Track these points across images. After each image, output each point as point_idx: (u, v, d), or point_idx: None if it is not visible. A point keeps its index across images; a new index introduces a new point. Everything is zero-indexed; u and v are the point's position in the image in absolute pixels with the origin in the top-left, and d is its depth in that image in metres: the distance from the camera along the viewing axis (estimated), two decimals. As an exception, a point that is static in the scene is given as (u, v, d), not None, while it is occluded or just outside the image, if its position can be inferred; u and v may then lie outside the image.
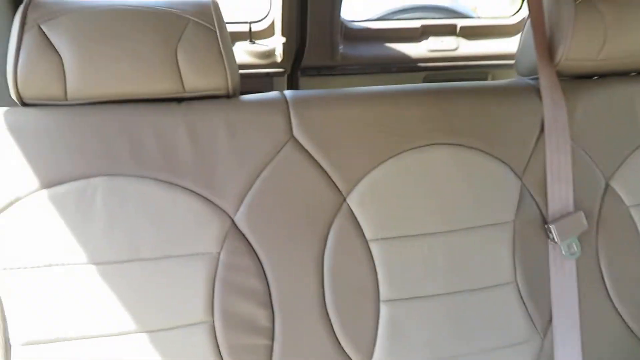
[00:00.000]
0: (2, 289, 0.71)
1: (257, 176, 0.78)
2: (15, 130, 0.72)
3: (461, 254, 0.85)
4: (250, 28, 1.48)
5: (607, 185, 0.91)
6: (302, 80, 1.56)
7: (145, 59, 0.73)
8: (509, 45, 1.69)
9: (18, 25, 0.71)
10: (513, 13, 1.71)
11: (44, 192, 0.72)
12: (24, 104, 0.75)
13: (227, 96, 0.81)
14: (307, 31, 1.46)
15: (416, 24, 1.63)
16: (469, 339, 0.84)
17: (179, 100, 0.79)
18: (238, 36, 1.50)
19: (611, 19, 0.88)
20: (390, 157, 0.83)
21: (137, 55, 0.73)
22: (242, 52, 1.49)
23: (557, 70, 0.91)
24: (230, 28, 1.48)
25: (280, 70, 1.52)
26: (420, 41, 1.63)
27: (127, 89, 0.75)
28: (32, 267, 0.71)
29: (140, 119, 0.76)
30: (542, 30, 0.89)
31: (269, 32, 1.52)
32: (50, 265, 0.71)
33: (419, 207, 0.84)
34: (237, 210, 0.77)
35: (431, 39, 1.64)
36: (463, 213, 0.85)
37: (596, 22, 0.88)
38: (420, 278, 0.83)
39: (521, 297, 0.87)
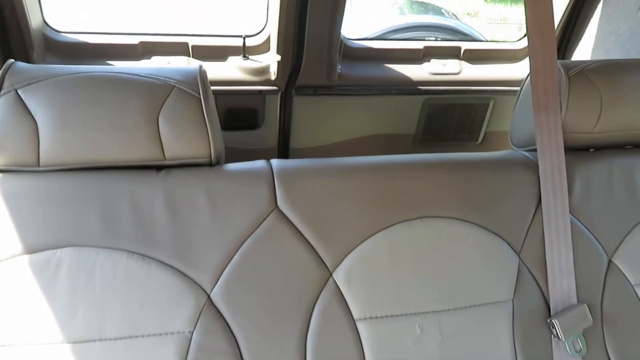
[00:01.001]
0: None
1: (238, 248, 0.72)
2: None
3: (456, 336, 0.77)
4: (244, 42, 1.40)
5: (610, 262, 0.85)
6: (297, 99, 1.49)
7: (123, 125, 0.69)
8: (514, 70, 1.63)
9: None
10: (519, 38, 1.65)
11: (2, 264, 0.65)
12: None
13: (210, 164, 0.76)
14: (304, 48, 1.39)
15: (419, 44, 1.56)
16: None
17: (158, 168, 0.74)
18: (231, 50, 1.42)
19: (606, 92, 0.85)
20: (380, 230, 0.78)
21: (116, 121, 0.68)
22: (234, 68, 1.41)
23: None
24: (223, 41, 1.42)
25: (274, 88, 1.44)
26: (422, 63, 1.57)
27: (103, 156, 0.70)
28: None
29: (115, 187, 0.71)
30: (542, 101, 0.84)
31: (264, 47, 1.44)
32: (3, 345, 0.64)
33: (410, 284, 0.77)
34: (214, 285, 0.71)
35: (433, 61, 1.57)
36: (458, 291, 0.79)
37: (591, 94, 0.85)
38: None
39: None
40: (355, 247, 0.76)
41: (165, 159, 0.73)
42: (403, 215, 0.79)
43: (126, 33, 1.37)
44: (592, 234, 0.85)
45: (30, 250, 0.67)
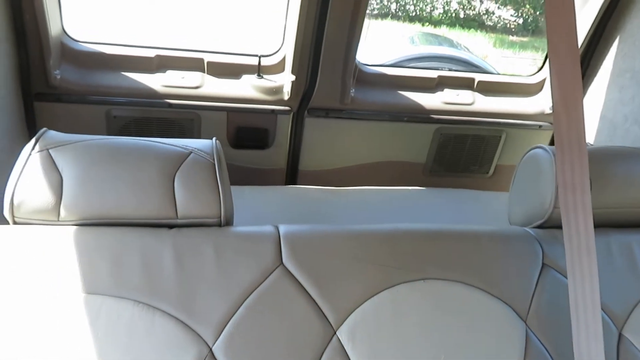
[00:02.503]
0: None
1: (242, 302, 0.72)
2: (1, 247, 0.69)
3: None
4: (259, 62, 1.41)
5: (621, 336, 0.83)
6: (308, 121, 1.48)
7: (141, 185, 0.72)
8: (527, 104, 1.63)
9: (29, 149, 0.72)
10: (533, 73, 1.65)
11: (15, 305, 0.66)
12: (15, 223, 0.72)
13: (219, 225, 0.78)
14: (319, 70, 1.39)
15: (433, 74, 1.57)
16: None
17: (170, 226, 0.76)
18: (246, 69, 1.43)
19: (595, 174, 0.86)
20: (383, 290, 0.77)
21: (134, 180, 0.72)
22: (248, 86, 1.41)
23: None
24: (238, 60, 1.43)
25: (287, 108, 1.44)
26: (435, 92, 1.57)
27: (119, 212, 0.73)
28: None
29: (127, 241, 0.73)
30: (568, 179, 0.81)
31: (278, 67, 1.44)
32: None
33: (414, 345, 0.75)
34: (217, 338, 0.69)
35: (447, 90, 1.57)
36: (463, 354, 0.76)
37: None
38: None
39: None
40: (359, 306, 0.75)
41: (177, 218, 0.75)
42: (406, 276, 0.78)
43: (143, 46, 1.38)
44: (602, 309, 0.82)
45: (41, 295, 0.67)
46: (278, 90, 1.41)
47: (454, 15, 7.42)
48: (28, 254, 0.69)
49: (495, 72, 2.01)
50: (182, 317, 0.69)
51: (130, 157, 0.73)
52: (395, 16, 7.26)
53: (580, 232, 0.78)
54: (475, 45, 6.23)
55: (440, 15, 7.35)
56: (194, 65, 1.40)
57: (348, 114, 1.49)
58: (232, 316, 0.70)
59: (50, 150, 0.72)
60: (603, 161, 0.88)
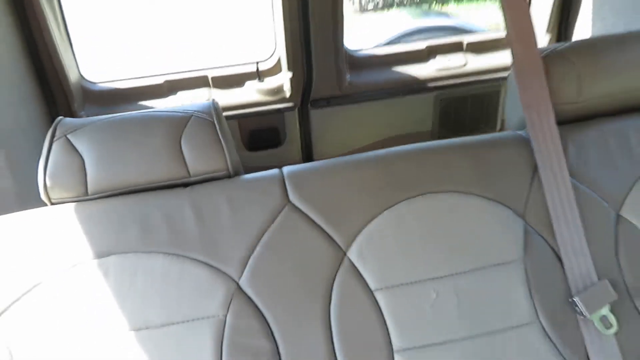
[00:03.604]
0: (18, 356, 0.74)
1: (258, 241, 0.81)
2: (43, 225, 0.81)
3: (471, 296, 0.81)
4: (257, 67, 1.52)
5: (619, 217, 0.87)
6: (313, 113, 1.58)
7: (152, 152, 0.82)
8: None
9: (49, 137, 0.82)
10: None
11: (63, 274, 0.77)
12: (52, 204, 0.83)
13: (229, 176, 0.87)
14: (313, 64, 1.49)
15: (421, 45, 1.64)
16: None
17: (185, 185, 0.86)
18: (247, 76, 1.54)
19: (582, 65, 0.90)
20: (385, 210, 0.84)
21: (146, 149, 0.82)
22: (252, 91, 1.52)
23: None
24: (238, 70, 1.55)
25: (290, 104, 1.54)
26: (427, 61, 1.64)
27: (138, 179, 0.82)
28: (51, 340, 0.74)
29: (149, 204, 0.83)
30: (527, 77, 0.90)
31: (276, 69, 1.55)
32: (66, 337, 0.75)
33: (419, 254, 0.82)
34: (241, 274, 0.79)
35: (438, 57, 1.64)
36: (466, 255, 0.83)
37: (567, 68, 0.90)
38: (432, 324, 0.80)
39: (549, 337, 0.81)
40: (365, 227, 0.83)
41: (190, 176, 0.84)
42: (405, 195, 0.85)
43: (151, 75, 1.52)
44: (595, 193, 0.87)
45: (83, 260, 0.78)
46: (279, 89, 1.52)
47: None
48: (67, 228, 0.80)
49: (482, 31, 2.05)
50: (209, 260, 0.79)
51: (139, 128, 0.83)
52: (400, 4, 7.25)
53: (545, 130, 0.86)
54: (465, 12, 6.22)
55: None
56: (199, 82, 1.53)
57: (349, 98, 1.58)
58: (251, 253, 0.80)
59: (68, 136, 0.82)
60: (589, 53, 0.91)
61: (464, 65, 1.63)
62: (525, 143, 0.91)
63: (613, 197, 0.87)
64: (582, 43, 0.94)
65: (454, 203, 0.85)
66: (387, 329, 0.79)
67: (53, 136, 0.82)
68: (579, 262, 0.82)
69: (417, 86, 1.62)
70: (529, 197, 0.86)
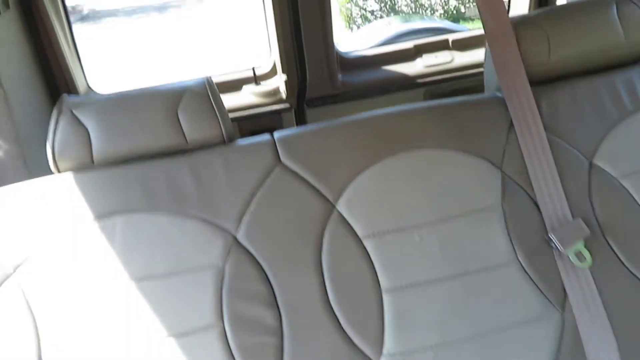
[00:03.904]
0: (37, 312, 0.81)
1: (253, 198, 0.89)
2: (53, 192, 0.89)
3: (453, 239, 0.88)
4: (254, 72, 1.61)
5: (592, 164, 0.93)
6: (309, 112, 1.66)
7: (152, 123, 0.90)
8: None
9: (55, 113, 0.90)
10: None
11: (74, 232, 0.85)
12: (60, 172, 0.91)
13: (224, 143, 0.95)
14: (306, 66, 1.58)
15: (409, 44, 1.73)
16: (479, 320, 0.85)
17: (184, 152, 0.93)
18: (244, 81, 1.63)
19: (551, 29, 0.97)
20: (370, 166, 0.91)
21: (145, 119, 0.90)
22: (250, 94, 1.61)
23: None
24: (236, 75, 1.64)
25: (287, 106, 1.62)
26: (415, 60, 1.72)
27: (140, 148, 0.90)
28: (64, 291, 0.82)
29: (151, 169, 0.91)
30: (499, 43, 0.97)
31: (272, 73, 1.64)
32: (79, 288, 0.82)
33: (404, 204, 0.89)
34: (238, 228, 0.87)
35: (425, 56, 1.72)
36: (448, 203, 0.89)
37: (536, 32, 0.97)
38: (417, 265, 0.86)
39: (528, 275, 0.87)
40: (351, 182, 0.90)
41: (188, 144, 0.92)
42: (388, 152, 0.92)
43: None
44: (568, 143, 0.94)
45: (92, 220, 0.86)
46: (276, 92, 1.61)
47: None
48: (75, 192, 0.88)
49: (467, 30, 2.15)
50: (207, 216, 0.86)
51: (138, 102, 0.91)
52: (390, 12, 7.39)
53: (518, 91, 0.94)
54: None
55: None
56: None
57: (342, 97, 1.66)
58: (246, 209, 0.87)
59: (73, 111, 0.89)
60: (557, 17, 0.99)
61: (450, 61, 1.72)
62: (501, 103, 0.98)
63: (586, 147, 0.94)
64: (551, 9, 1.02)
65: (435, 157, 0.92)
66: (375, 272, 0.85)
67: (59, 112, 0.89)
68: (554, 204, 0.89)
69: (407, 83, 1.70)
70: (506, 150, 0.93)
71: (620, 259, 0.89)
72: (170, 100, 0.91)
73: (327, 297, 0.84)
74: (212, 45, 6.14)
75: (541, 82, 1.01)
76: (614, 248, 0.90)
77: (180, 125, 0.90)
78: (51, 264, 0.83)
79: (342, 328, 0.83)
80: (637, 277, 0.88)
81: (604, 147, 0.94)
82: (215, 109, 0.91)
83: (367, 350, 0.83)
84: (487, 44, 1.00)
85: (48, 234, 0.85)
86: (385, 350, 0.83)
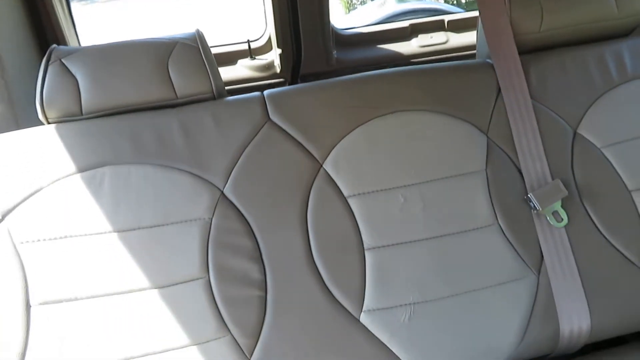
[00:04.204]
0: (25, 258, 0.82)
1: (241, 153, 0.89)
2: (41, 142, 0.88)
3: (436, 201, 0.90)
4: (249, 46, 1.60)
5: (575, 133, 0.96)
6: (303, 88, 1.66)
7: (141, 75, 0.89)
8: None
9: (44, 62, 0.89)
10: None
11: (62, 181, 0.86)
12: (49, 123, 0.91)
13: (214, 98, 0.95)
14: (301, 41, 1.57)
15: (405, 24, 1.73)
16: (458, 280, 0.88)
17: (173, 106, 0.93)
18: (240, 54, 1.63)
19: (544, 2, 0.97)
20: (358, 126, 0.92)
21: (135, 71, 0.89)
22: (244, 68, 1.61)
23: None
24: (231, 48, 1.63)
25: (281, 80, 1.62)
26: (410, 39, 1.72)
27: (129, 100, 0.90)
28: (52, 239, 0.83)
29: (140, 121, 0.91)
30: (489, 6, 0.98)
31: (267, 47, 1.64)
32: (65, 236, 0.83)
33: (389, 165, 0.91)
34: (225, 183, 0.88)
35: (421, 36, 1.73)
36: (433, 166, 0.91)
37: (530, 1, 0.98)
38: (399, 225, 0.88)
39: (506, 238, 0.90)
40: (339, 141, 0.91)
41: (177, 98, 0.91)
42: (377, 112, 0.93)
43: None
44: (554, 112, 0.96)
45: (79, 170, 0.86)
46: (270, 65, 1.61)
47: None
48: (64, 143, 0.88)
49: (462, 11, 2.15)
50: (195, 171, 0.87)
51: (128, 53, 0.90)
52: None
53: (506, 57, 0.95)
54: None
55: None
56: None
57: (336, 74, 1.65)
58: (234, 165, 0.88)
59: (62, 60, 0.88)
60: None
61: (445, 42, 1.72)
62: (491, 69, 0.99)
63: (571, 116, 0.96)
64: None
65: (423, 120, 0.93)
66: (358, 230, 0.87)
67: (48, 60, 0.89)
68: (536, 166, 0.91)
69: (401, 62, 1.70)
70: (492, 116, 0.95)
71: (594, 222, 0.92)
72: (161, 53, 0.90)
73: (311, 254, 0.86)
74: (208, 18, 6.09)
75: (531, 50, 1.02)
76: (589, 211, 0.93)
77: (170, 78, 0.90)
78: (39, 212, 0.84)
79: (324, 284, 0.86)
80: (608, 240, 0.92)
81: (588, 117, 0.96)
82: (206, 63, 0.91)
83: (348, 306, 0.85)
84: (478, 7, 1.01)
85: (36, 183, 0.85)
86: (365, 307, 0.85)
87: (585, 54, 1.01)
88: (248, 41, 1.61)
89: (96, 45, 0.92)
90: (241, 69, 1.61)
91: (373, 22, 2.12)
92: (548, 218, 0.90)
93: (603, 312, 0.89)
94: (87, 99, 0.88)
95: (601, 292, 0.90)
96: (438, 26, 1.75)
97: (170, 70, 0.90)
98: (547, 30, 0.99)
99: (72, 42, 1.45)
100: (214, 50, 1.62)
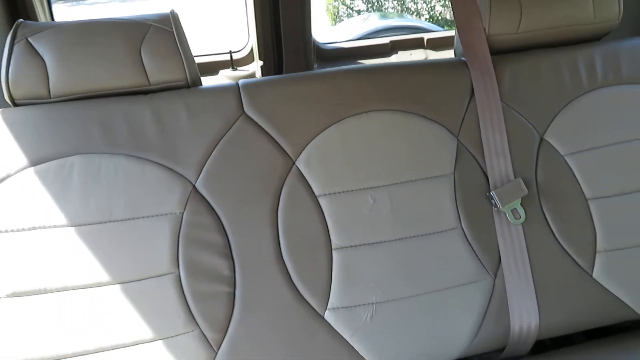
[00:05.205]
0: None
1: (214, 147, 0.89)
2: (8, 125, 0.86)
3: (404, 204, 0.92)
4: (231, 57, 1.62)
5: (542, 140, 0.99)
6: (284, 100, 1.68)
7: (113, 59, 0.87)
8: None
9: (9, 39, 0.86)
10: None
11: (30, 170, 0.84)
12: (15, 105, 0.89)
13: (188, 86, 0.93)
14: (283, 53, 1.60)
15: (385, 40, 1.76)
16: (419, 281, 0.90)
17: (146, 92, 0.92)
18: (221, 65, 1.64)
19: (524, 3, 1.00)
20: (333, 124, 0.93)
21: (106, 55, 0.87)
22: (225, 78, 1.62)
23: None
24: (213, 59, 1.65)
25: None
26: (390, 56, 1.76)
27: (100, 84, 0.88)
28: (19, 230, 0.82)
29: (111, 108, 0.89)
30: (464, 11, 1.01)
31: (249, 59, 1.66)
32: (34, 228, 0.82)
33: (361, 165, 0.92)
34: (198, 177, 0.88)
35: (400, 53, 1.77)
36: (403, 168, 0.93)
37: (511, 2, 1.00)
38: (367, 226, 0.90)
39: (468, 241, 0.93)
40: (313, 139, 0.92)
41: (150, 84, 0.90)
42: (351, 111, 0.94)
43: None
44: (524, 117, 0.99)
45: (48, 159, 0.85)
46: (251, 77, 1.62)
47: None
48: (32, 127, 0.85)
49: (442, 30, 2.21)
50: (167, 163, 0.87)
51: (99, 35, 0.87)
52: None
53: (479, 56, 0.97)
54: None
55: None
56: None
57: None
58: (207, 158, 0.88)
59: (29, 39, 0.85)
60: None
61: (425, 59, 1.76)
62: (466, 68, 1.01)
63: (539, 122, 0.99)
64: None
65: (396, 121, 0.95)
66: (327, 230, 0.89)
67: (14, 38, 0.86)
68: (500, 164, 0.94)
69: None
70: (464, 118, 0.97)
71: (549, 224, 0.96)
72: (133, 36, 0.88)
73: (280, 251, 0.88)
74: (191, 28, 6.08)
75: (506, 50, 1.04)
76: (546, 213, 0.97)
77: (143, 63, 0.88)
78: (6, 202, 0.83)
79: (292, 281, 0.88)
80: (560, 244, 0.96)
81: (555, 123, 0.99)
82: (180, 50, 0.90)
83: (314, 303, 0.88)
84: (452, 4, 1.03)
85: (3, 170, 0.84)
86: (329, 305, 0.88)
87: (559, 57, 1.03)
88: (230, 52, 1.63)
89: (66, 22, 0.89)
90: (223, 79, 1.63)
91: (355, 37, 2.17)
92: (507, 215, 0.94)
93: (551, 312, 0.93)
94: (55, 82, 0.86)
95: (551, 293, 0.94)
96: (417, 44, 1.79)
97: (143, 55, 0.88)
98: (525, 32, 1.01)
99: (43, 18, 1.42)
100: (196, 60, 1.63)
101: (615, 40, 1.08)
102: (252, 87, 0.94)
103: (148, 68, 0.88)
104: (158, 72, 0.89)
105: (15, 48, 0.85)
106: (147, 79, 0.89)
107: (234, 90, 0.94)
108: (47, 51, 0.85)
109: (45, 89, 0.86)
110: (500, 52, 1.04)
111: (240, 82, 0.95)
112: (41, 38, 0.86)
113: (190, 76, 0.92)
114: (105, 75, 0.87)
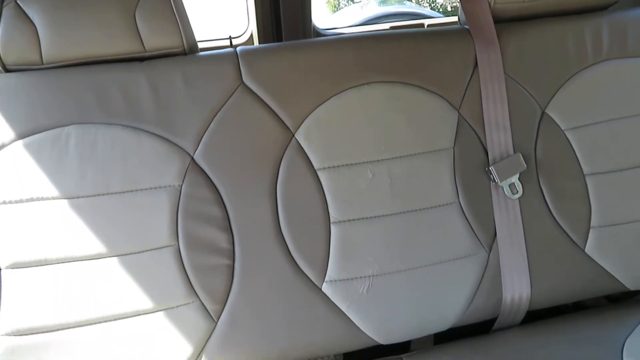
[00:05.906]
0: None
1: (213, 118, 0.88)
2: (1, 92, 0.84)
3: (403, 178, 0.92)
4: (231, 42, 1.62)
5: (543, 113, 0.98)
6: (283, 86, 1.67)
7: (107, 24, 0.85)
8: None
9: None
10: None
11: (25, 140, 0.83)
12: (7, 70, 0.87)
13: (184, 53, 0.91)
14: (283, 40, 1.59)
15: (385, 26, 1.76)
16: (416, 255, 0.91)
17: (141, 59, 0.90)
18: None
19: None
20: (333, 96, 0.92)
21: (100, 19, 0.84)
22: None
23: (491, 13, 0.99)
24: (213, 44, 1.64)
25: None
26: None
27: (93, 51, 0.86)
28: (16, 202, 0.82)
29: (106, 76, 0.87)
30: None
31: (249, 44, 1.65)
32: (31, 199, 0.82)
33: (361, 138, 0.92)
34: (196, 149, 0.87)
35: None
36: (403, 142, 0.93)
37: None
38: (366, 201, 0.91)
39: (465, 215, 0.93)
40: (312, 111, 0.91)
41: (145, 51, 0.88)
42: (352, 82, 0.93)
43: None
44: (526, 90, 0.98)
45: (43, 129, 0.84)
46: None
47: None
48: (25, 95, 0.83)
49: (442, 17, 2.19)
50: (165, 134, 0.86)
51: (93, 0, 0.85)
52: None
53: (483, 26, 0.95)
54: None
55: None
56: None
57: None
58: (205, 130, 0.87)
59: (18, 2, 0.82)
60: None
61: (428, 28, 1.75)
62: (468, 36, 0.99)
63: (541, 96, 0.98)
64: None
65: (396, 93, 0.93)
66: (326, 204, 0.90)
67: (3, 1, 0.83)
68: (500, 138, 0.94)
69: None
70: (466, 91, 0.96)
71: (545, 199, 0.96)
72: (126, 1, 0.85)
73: (279, 224, 0.88)
74: (191, 12, 6.03)
75: (511, 19, 1.02)
76: (543, 188, 0.97)
77: (138, 29, 0.86)
78: (2, 172, 0.82)
79: (290, 254, 0.88)
80: (555, 218, 0.96)
81: (557, 97, 0.99)
82: (176, 14, 0.87)
83: (311, 276, 0.89)
84: None
85: None
86: (327, 277, 0.89)
87: (565, 27, 1.02)
88: (230, 37, 1.62)
89: None
90: None
91: (355, 24, 2.16)
92: (505, 189, 0.94)
93: (543, 284, 0.94)
94: (47, 48, 0.84)
95: (543, 266, 0.95)
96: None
97: (137, 20, 0.85)
98: (531, 1, 0.99)
99: None
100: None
101: (623, 10, 1.06)
102: (250, 54, 0.92)
103: (143, 33, 0.86)
104: (153, 38, 0.86)
105: (4, 11, 0.82)
106: (142, 44, 0.87)
107: (232, 57, 0.92)
108: (38, 15, 0.82)
109: (36, 54, 0.84)
110: (505, 21, 1.02)
111: (239, 49, 0.93)
112: (31, 1, 0.83)
113: (187, 42, 0.90)
114: (98, 40, 0.85)
